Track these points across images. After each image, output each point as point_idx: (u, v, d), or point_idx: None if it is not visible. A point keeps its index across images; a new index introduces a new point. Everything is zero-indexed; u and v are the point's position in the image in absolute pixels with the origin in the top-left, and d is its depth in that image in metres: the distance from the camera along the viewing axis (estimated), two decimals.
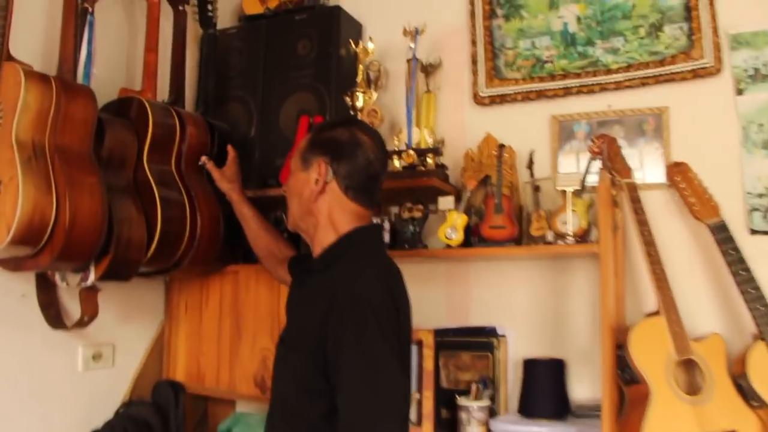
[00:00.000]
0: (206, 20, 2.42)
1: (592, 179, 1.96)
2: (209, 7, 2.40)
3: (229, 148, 2.20)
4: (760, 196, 1.94)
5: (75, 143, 1.86)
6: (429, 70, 2.38)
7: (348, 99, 2.31)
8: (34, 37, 2.04)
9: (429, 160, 2.15)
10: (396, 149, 2.19)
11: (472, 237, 2.04)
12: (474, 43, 2.35)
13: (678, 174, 1.97)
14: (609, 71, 2.13)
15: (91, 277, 1.93)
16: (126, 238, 1.92)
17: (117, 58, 2.29)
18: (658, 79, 2.07)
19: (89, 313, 2.01)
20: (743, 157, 1.98)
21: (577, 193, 1.89)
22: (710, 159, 1.99)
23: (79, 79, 1.99)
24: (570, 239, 1.84)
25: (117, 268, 1.92)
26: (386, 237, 2.11)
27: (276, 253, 2.04)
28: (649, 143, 2.09)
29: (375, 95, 2.32)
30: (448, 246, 2.00)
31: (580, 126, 2.18)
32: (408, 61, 2.27)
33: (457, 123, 2.34)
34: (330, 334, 1.34)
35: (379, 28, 2.48)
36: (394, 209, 2.32)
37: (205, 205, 2.13)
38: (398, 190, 2.13)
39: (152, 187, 2.02)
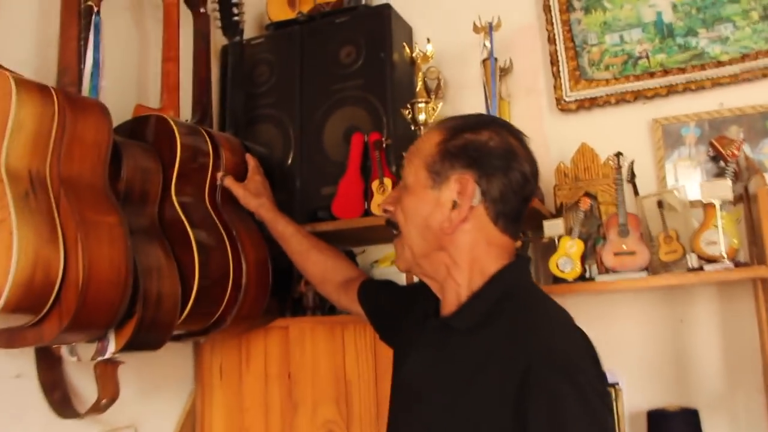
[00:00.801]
0: (231, 26, 2.02)
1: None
2: (234, 10, 2.00)
3: (248, 157, 1.80)
4: None
5: (86, 173, 1.43)
6: (500, 74, 2.03)
7: (407, 112, 1.94)
8: (25, 41, 1.62)
9: None
10: None
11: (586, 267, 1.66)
12: (552, 41, 2.01)
13: None
14: (720, 63, 1.81)
15: (111, 347, 1.48)
16: (155, 294, 1.48)
17: (127, 69, 1.86)
18: None
19: (109, 395, 1.55)
20: None
21: (725, 207, 1.53)
22: None
23: (85, 92, 1.57)
24: (727, 262, 1.46)
25: (145, 334, 1.48)
26: None
27: (335, 276, 1.62)
28: None
29: (440, 106, 1.95)
30: (562, 280, 1.61)
31: (689, 129, 1.84)
32: (484, 61, 1.91)
33: (536, 134, 1.97)
34: (532, 422, 0.92)
35: (431, 29, 2.12)
36: None
37: (250, 247, 1.70)
38: None
39: (185, 226, 1.59)
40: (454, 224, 1.08)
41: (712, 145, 1.71)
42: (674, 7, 1.89)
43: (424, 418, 1.05)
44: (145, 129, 1.67)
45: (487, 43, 1.88)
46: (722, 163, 1.70)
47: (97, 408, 1.55)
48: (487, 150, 1.08)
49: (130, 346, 1.47)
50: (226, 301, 1.65)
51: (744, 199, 1.61)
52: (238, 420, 1.94)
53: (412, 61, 1.99)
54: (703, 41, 1.85)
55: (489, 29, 1.88)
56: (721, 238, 1.46)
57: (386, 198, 1.21)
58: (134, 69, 1.88)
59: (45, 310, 1.32)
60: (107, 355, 1.49)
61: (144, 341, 1.49)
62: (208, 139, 1.71)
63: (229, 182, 1.72)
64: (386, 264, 2.02)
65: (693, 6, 1.87)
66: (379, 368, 1.78)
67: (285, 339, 1.91)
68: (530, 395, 0.92)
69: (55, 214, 1.33)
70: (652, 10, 1.91)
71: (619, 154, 1.70)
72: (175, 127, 1.63)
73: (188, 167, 1.65)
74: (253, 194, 1.72)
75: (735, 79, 1.78)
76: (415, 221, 1.12)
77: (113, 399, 1.56)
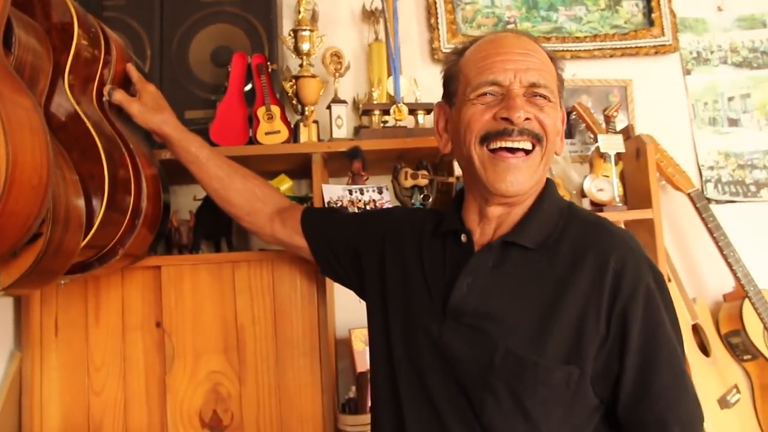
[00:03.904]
0: None
1: None
2: None
3: (129, 67, 1.45)
4: (711, 168, 2.09)
5: None
6: (377, 15, 1.99)
7: (290, 39, 1.79)
8: None
9: (421, 118, 1.79)
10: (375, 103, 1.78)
11: None
12: None
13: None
14: (577, 39, 2.06)
15: None
16: (63, 210, 1.13)
17: None
18: (624, 52, 2.07)
19: None
20: (695, 132, 2.10)
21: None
22: (668, 132, 2.06)
23: None
24: (622, 205, 1.70)
25: (48, 262, 1.12)
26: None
27: (265, 206, 1.42)
28: None
29: (324, 38, 1.84)
30: None
31: None
32: None
33: (408, 79, 1.99)
34: (633, 317, 0.97)
35: None
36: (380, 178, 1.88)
37: (145, 162, 1.39)
38: (385, 153, 1.72)
39: (87, 129, 1.24)
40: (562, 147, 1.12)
41: (575, 109, 1.94)
42: None
43: (505, 337, 1.00)
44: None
45: None
46: (582, 126, 1.96)
47: None
48: None
49: (24, 280, 1.10)
50: (123, 229, 1.33)
51: None
52: (83, 383, 1.57)
53: None
54: (562, 17, 2.08)
55: None
56: (615, 185, 1.69)
57: (521, 106, 1.02)
58: None
59: None
60: None
61: (40, 274, 1.13)
62: (100, 31, 1.35)
63: (120, 96, 1.38)
64: None
65: None
66: (278, 311, 1.62)
67: (153, 282, 1.61)
68: (627, 294, 0.98)
69: None
70: None
71: None
72: (72, 7, 1.25)
73: (80, 60, 1.28)
74: (152, 109, 1.41)
75: (590, 55, 2.06)
76: (557, 136, 1.09)
77: None
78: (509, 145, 1.03)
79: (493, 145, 1.03)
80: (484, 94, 1.05)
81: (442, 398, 1.03)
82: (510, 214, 1.09)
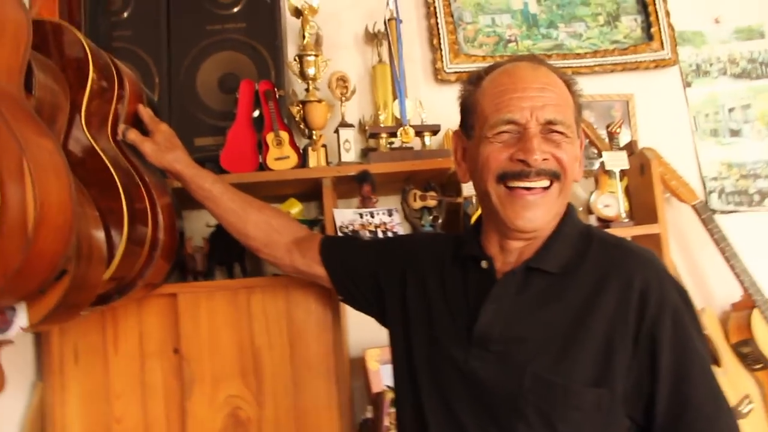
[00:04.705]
0: None
1: None
2: None
3: (140, 108, 1.46)
4: (714, 179, 2.12)
5: (3, 78, 1.05)
6: (380, 38, 2.02)
7: (295, 64, 1.82)
8: None
9: (427, 140, 1.82)
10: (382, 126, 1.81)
11: None
12: (433, 14, 2.07)
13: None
14: (578, 56, 2.09)
15: (21, 320, 1.11)
16: (87, 246, 1.15)
17: None
18: (625, 67, 2.10)
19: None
20: (697, 143, 2.13)
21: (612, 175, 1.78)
22: (671, 145, 2.08)
23: None
24: (628, 220, 1.73)
25: (74, 297, 1.14)
26: (401, 232, 1.69)
27: (282, 237, 1.43)
28: None
29: (329, 62, 1.87)
30: None
31: None
32: (389, 21, 1.88)
33: (413, 101, 2.01)
34: (662, 337, 0.99)
35: None
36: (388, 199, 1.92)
37: (160, 194, 1.42)
38: (393, 175, 1.75)
39: (105, 165, 1.26)
40: (580, 174, 1.11)
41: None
42: (538, 0, 2.13)
43: (532, 361, 1.02)
44: (35, 38, 1.26)
45: (392, 4, 1.87)
46: (585, 142, 1.98)
47: None
48: None
49: (51, 316, 1.12)
50: (142, 261, 1.36)
51: None
52: (104, 411, 1.60)
53: (298, 13, 1.87)
54: (562, 34, 2.12)
55: None
56: (621, 200, 1.72)
57: (539, 146, 1.02)
58: None
59: None
60: (13, 332, 1.12)
61: (67, 309, 1.16)
62: (113, 66, 1.38)
63: (133, 136, 1.40)
64: None
65: (553, 2, 2.13)
66: (293, 335, 1.64)
67: (169, 309, 1.64)
68: (654, 313, 0.99)
69: None
70: (519, 0, 2.12)
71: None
72: (85, 42, 1.28)
73: (95, 95, 1.31)
74: (164, 148, 1.43)
75: (590, 71, 2.09)
76: (575, 170, 1.08)
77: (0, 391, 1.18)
78: (527, 185, 1.04)
79: (511, 184, 1.04)
80: (501, 132, 1.05)
81: (472, 426, 1.04)
82: (532, 242, 1.10)
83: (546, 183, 1.04)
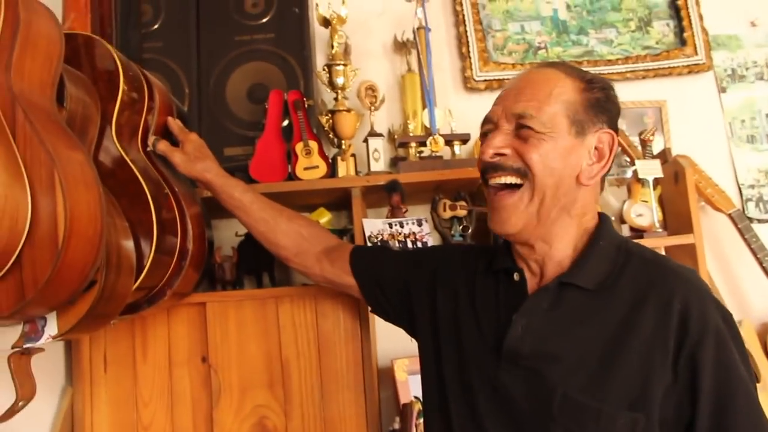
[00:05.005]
0: None
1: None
2: None
3: (170, 120, 1.48)
4: (751, 186, 2.06)
5: (35, 93, 1.07)
6: (408, 46, 2.02)
7: (324, 74, 1.83)
8: None
9: (457, 149, 1.81)
10: (411, 135, 1.81)
11: None
12: (462, 22, 2.06)
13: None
14: (609, 62, 2.06)
15: (51, 329, 1.13)
16: (115, 255, 1.16)
17: None
18: (657, 73, 2.06)
19: (27, 394, 1.17)
20: (733, 150, 2.08)
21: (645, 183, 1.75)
22: (706, 152, 2.03)
23: None
24: (662, 230, 1.68)
25: (103, 307, 1.15)
26: (430, 242, 1.68)
27: (313, 246, 1.42)
28: None
29: (357, 71, 1.87)
30: None
31: None
32: (418, 30, 1.87)
33: (443, 110, 2.00)
34: (703, 358, 0.94)
35: None
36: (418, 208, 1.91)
37: (189, 201, 1.43)
38: (423, 185, 1.73)
39: (135, 175, 1.28)
40: (593, 177, 1.05)
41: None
42: (568, 6, 2.10)
43: (563, 381, 0.98)
44: (66, 51, 1.28)
45: (420, 13, 1.86)
46: (618, 150, 1.94)
47: (13, 411, 1.16)
48: (617, 108, 1.09)
49: (80, 325, 1.13)
50: (171, 270, 1.36)
51: None
52: (132, 418, 1.61)
53: (327, 23, 1.88)
54: (593, 41, 2.09)
55: None
56: (655, 209, 1.68)
57: (492, 141, 1.04)
58: None
59: (1, 273, 0.96)
60: (43, 341, 1.14)
61: (96, 318, 1.17)
62: (143, 78, 1.40)
63: (163, 147, 1.42)
64: None
65: (584, 8, 2.10)
66: (321, 345, 1.64)
67: (198, 318, 1.65)
68: (695, 336, 0.94)
69: (11, 141, 0.97)
70: (549, 6, 2.10)
71: None
72: (116, 55, 1.30)
73: (126, 107, 1.33)
74: (194, 157, 1.44)
75: (622, 77, 2.05)
76: (555, 170, 1.02)
77: (30, 397, 1.19)
78: (495, 182, 1.05)
79: (487, 179, 1.07)
80: (485, 133, 1.09)
81: None
82: (552, 250, 1.07)
83: (513, 179, 1.03)
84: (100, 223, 1.06)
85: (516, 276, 1.09)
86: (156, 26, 1.85)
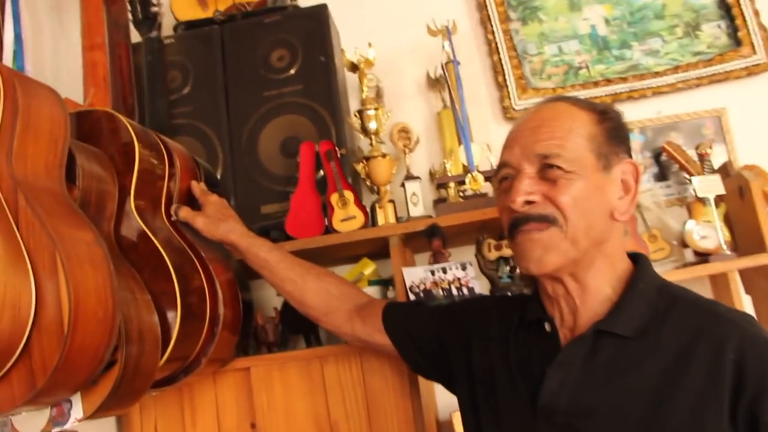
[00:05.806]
0: (146, 19, 1.70)
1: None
2: (153, 0, 1.68)
3: (193, 183, 1.46)
4: None
5: (40, 176, 1.06)
6: (442, 83, 1.95)
7: (356, 120, 1.78)
8: None
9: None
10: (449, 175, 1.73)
11: None
12: (495, 50, 1.98)
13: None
14: (657, 74, 1.92)
15: (77, 412, 1.10)
16: (137, 333, 1.13)
17: (39, 55, 1.46)
18: (712, 79, 1.91)
19: None
20: None
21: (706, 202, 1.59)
22: None
23: None
24: (729, 252, 1.51)
25: (127, 386, 1.12)
26: (477, 287, 1.58)
27: (343, 305, 1.36)
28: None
29: (390, 114, 1.81)
30: None
31: (634, 136, 1.91)
32: (446, 64, 1.80)
33: (481, 145, 1.91)
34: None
35: (360, 36, 1.96)
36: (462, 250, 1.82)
37: (221, 273, 1.39)
38: (466, 226, 1.64)
39: (155, 247, 1.25)
40: (626, 212, 0.97)
41: (665, 150, 1.79)
42: (606, 21, 1.99)
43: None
44: (85, 127, 1.30)
45: (447, 46, 1.80)
46: (675, 167, 1.80)
47: None
48: (628, 134, 1.03)
49: (105, 406, 1.10)
50: (203, 338, 1.33)
51: None
52: None
53: (354, 67, 1.84)
54: (637, 53, 1.96)
55: (448, 32, 1.80)
56: (719, 230, 1.52)
57: (520, 187, 0.96)
58: (48, 57, 1.48)
59: (9, 365, 0.93)
60: (70, 425, 1.10)
61: (122, 397, 1.13)
62: (162, 145, 1.39)
63: (185, 213, 1.39)
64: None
65: (624, 21, 1.98)
66: (371, 404, 1.55)
67: (244, 382, 1.60)
68: (754, 390, 0.83)
69: (14, 228, 0.96)
70: (586, 23, 1.99)
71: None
72: (131, 128, 1.30)
73: (145, 177, 1.32)
74: (216, 220, 1.41)
75: (673, 89, 1.91)
76: (586, 210, 0.94)
77: None
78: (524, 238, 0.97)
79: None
80: (503, 178, 1.01)
81: None
82: (585, 294, 0.97)
83: (543, 225, 0.95)
84: (111, 303, 1.03)
85: (547, 326, 1.00)
86: (185, 91, 1.87)
